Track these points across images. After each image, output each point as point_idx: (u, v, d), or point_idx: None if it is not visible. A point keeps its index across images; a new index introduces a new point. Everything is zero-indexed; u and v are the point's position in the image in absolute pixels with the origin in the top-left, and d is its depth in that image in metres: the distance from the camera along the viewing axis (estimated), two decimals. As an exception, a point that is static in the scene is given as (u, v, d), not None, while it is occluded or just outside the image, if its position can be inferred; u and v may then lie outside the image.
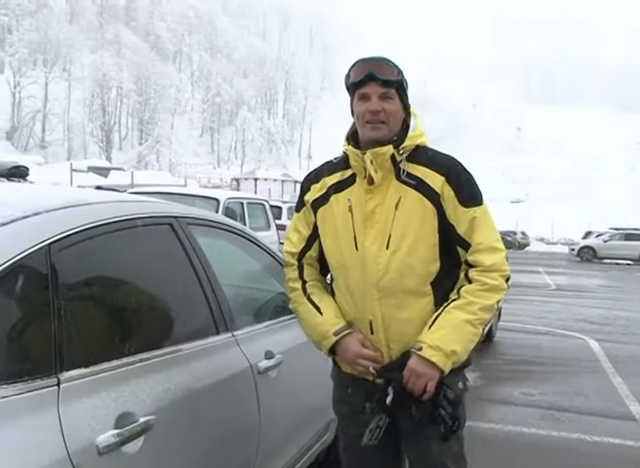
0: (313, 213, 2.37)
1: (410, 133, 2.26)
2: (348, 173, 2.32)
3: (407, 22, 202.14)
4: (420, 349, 2.13)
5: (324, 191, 2.35)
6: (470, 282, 2.19)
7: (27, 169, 11.43)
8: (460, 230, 2.21)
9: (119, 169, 50.85)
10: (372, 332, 2.27)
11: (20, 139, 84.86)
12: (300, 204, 2.43)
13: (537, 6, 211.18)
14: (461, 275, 2.23)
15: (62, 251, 1.86)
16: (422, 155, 2.27)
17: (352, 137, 2.32)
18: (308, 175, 2.47)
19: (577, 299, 15.68)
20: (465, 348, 2.17)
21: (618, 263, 33.67)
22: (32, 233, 1.81)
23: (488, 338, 9.21)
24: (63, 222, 1.93)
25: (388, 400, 2.18)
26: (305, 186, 2.43)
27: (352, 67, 2.24)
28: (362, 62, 2.23)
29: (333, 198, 2.31)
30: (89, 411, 1.75)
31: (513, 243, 47.80)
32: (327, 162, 2.47)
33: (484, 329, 2.22)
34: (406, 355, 2.18)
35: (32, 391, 1.63)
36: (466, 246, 2.22)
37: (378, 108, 2.18)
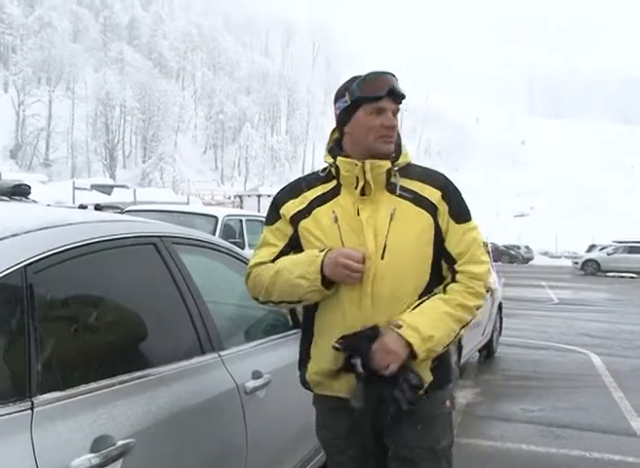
0: (293, 227, 2.30)
1: (402, 151, 2.29)
2: (330, 185, 2.29)
3: (410, 37, 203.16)
4: (400, 327, 2.11)
5: (305, 205, 2.29)
6: (455, 280, 2.24)
7: (29, 187, 11.43)
8: (449, 245, 2.24)
9: (122, 186, 50.99)
10: None
11: (25, 158, 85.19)
12: (274, 217, 2.35)
13: (540, 19, 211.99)
14: (448, 277, 2.26)
15: (40, 272, 1.84)
16: (413, 171, 2.29)
17: (336, 150, 2.30)
18: (282, 189, 2.41)
19: (579, 313, 15.62)
20: (442, 340, 2.17)
21: (622, 276, 33.59)
22: (8, 255, 1.80)
23: (489, 354, 9.17)
24: (41, 243, 1.92)
25: (359, 370, 2.11)
26: (280, 200, 2.35)
27: (366, 80, 2.21)
28: (380, 75, 2.22)
29: (315, 211, 2.26)
30: (64, 435, 1.72)
31: (517, 257, 47.77)
32: (301, 178, 2.44)
33: (460, 331, 2.24)
34: (375, 329, 2.13)
35: (4, 415, 1.60)
36: (451, 260, 2.25)
37: (394, 124, 2.21)
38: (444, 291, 2.22)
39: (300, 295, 2.22)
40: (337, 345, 2.13)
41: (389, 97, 2.19)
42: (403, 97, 2.23)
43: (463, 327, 2.23)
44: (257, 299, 2.39)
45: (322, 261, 2.15)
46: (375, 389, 2.11)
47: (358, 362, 2.10)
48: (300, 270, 2.18)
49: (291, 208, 2.31)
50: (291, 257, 2.26)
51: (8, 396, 1.65)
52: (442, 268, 2.26)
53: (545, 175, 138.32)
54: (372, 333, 2.12)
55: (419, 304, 2.18)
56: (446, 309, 2.17)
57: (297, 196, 2.32)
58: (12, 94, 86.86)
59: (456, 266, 2.23)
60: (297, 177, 2.51)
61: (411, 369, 2.12)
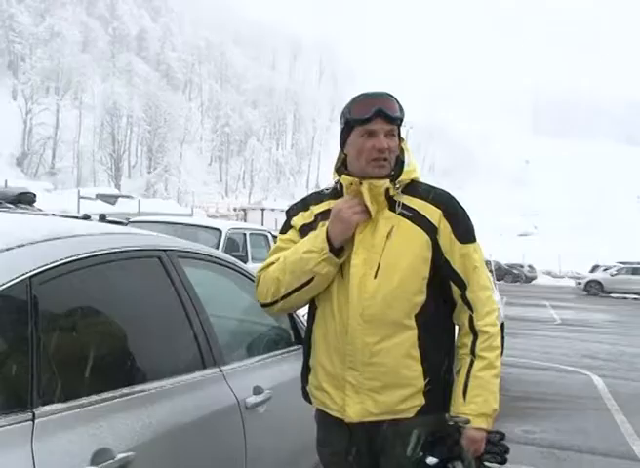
0: (302, 237, 2.32)
1: (405, 168, 2.26)
2: (335, 202, 2.29)
3: (416, 54, 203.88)
4: (468, 422, 2.15)
5: (312, 219, 2.33)
6: (475, 332, 2.22)
7: (34, 195, 11.47)
8: (456, 266, 2.21)
9: (127, 196, 50.98)
10: (348, 366, 2.20)
11: (31, 166, 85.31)
12: (287, 227, 2.40)
13: (546, 39, 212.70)
14: (465, 323, 2.24)
15: (44, 283, 1.85)
16: (417, 188, 2.28)
17: (342, 169, 2.31)
18: (295, 203, 2.47)
19: (582, 334, 15.56)
20: (496, 396, 2.22)
21: (625, 298, 33.46)
22: (13, 265, 1.80)
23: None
24: (47, 255, 1.92)
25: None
26: (292, 213, 2.41)
27: (356, 101, 2.22)
28: (369, 97, 2.21)
29: (320, 225, 2.28)
30: (64, 447, 1.72)
31: (520, 276, 47.61)
32: (313, 192, 2.48)
33: None
34: (442, 429, 2.17)
35: (5, 426, 1.60)
36: (461, 282, 2.22)
37: (385, 146, 2.17)
38: (473, 354, 2.20)
39: (312, 269, 2.19)
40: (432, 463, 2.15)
41: (380, 118, 2.16)
42: (396, 118, 2.19)
43: None
44: (265, 304, 2.34)
45: (326, 229, 2.20)
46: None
47: (459, 465, 2.15)
48: (306, 246, 2.23)
49: (300, 219, 2.36)
50: (295, 246, 2.29)
51: (9, 407, 1.65)
52: (450, 290, 2.24)
53: (549, 194, 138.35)
54: (452, 440, 2.17)
55: (465, 386, 2.19)
56: (490, 375, 2.20)
57: (306, 209, 2.38)
58: (20, 102, 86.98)
59: (467, 293, 2.22)
60: (306, 193, 2.53)
61: (489, 435, 2.20)
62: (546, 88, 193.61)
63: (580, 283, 38.01)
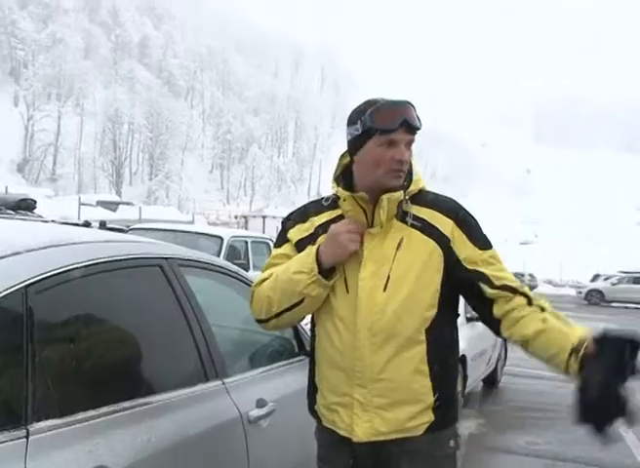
0: (298, 252, 2.23)
1: (413, 177, 2.19)
2: (336, 213, 2.22)
3: (418, 62, 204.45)
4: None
5: (311, 231, 2.23)
6: (535, 303, 2.13)
7: (35, 202, 11.46)
8: (483, 269, 2.12)
9: (128, 203, 51.01)
10: (356, 383, 2.12)
11: (32, 172, 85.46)
12: (283, 240, 2.30)
13: (548, 48, 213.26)
14: (522, 303, 2.12)
15: (41, 293, 1.78)
16: (424, 197, 2.20)
17: (342, 179, 2.23)
18: (291, 213, 2.37)
19: (584, 344, 15.45)
20: None
21: (626, 307, 33.34)
22: (8, 274, 1.73)
23: (493, 383, 9.05)
24: (44, 263, 1.86)
25: None
26: (289, 225, 2.30)
27: (379, 109, 2.09)
28: (394, 106, 2.10)
29: (321, 238, 2.18)
30: (59, 466, 1.65)
31: (521, 284, 47.55)
32: (312, 202, 2.38)
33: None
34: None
35: (-3, 444, 1.54)
36: (490, 282, 2.11)
37: (406, 158, 2.09)
38: (543, 311, 2.10)
39: (301, 291, 2.11)
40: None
41: (403, 128, 2.07)
42: (418, 128, 2.11)
43: None
44: (259, 320, 2.28)
45: (317, 249, 2.11)
46: None
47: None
48: (296, 266, 2.13)
49: (297, 233, 2.26)
50: (288, 261, 2.21)
51: (2, 423, 1.58)
52: (481, 291, 2.13)
53: (551, 203, 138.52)
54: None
55: (562, 321, 2.09)
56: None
57: (304, 221, 2.27)
58: (21, 108, 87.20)
59: (507, 284, 2.13)
60: (307, 201, 2.45)
61: None
62: (547, 94, 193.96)
63: (580, 292, 37.89)
